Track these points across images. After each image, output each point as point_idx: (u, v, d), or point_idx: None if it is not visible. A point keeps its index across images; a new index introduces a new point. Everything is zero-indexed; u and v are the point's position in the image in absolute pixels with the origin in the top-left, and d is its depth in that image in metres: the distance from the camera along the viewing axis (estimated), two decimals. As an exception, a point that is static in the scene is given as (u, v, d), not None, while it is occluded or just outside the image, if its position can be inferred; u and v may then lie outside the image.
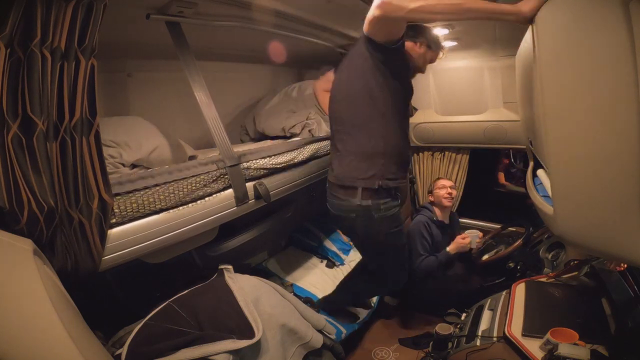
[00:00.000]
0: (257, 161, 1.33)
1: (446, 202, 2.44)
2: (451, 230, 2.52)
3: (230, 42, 1.74)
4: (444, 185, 2.45)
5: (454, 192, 2.45)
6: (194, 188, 1.10)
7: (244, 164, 1.28)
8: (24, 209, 0.70)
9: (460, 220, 2.81)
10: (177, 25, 1.27)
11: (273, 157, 1.41)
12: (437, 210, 2.48)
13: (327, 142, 1.70)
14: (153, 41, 1.43)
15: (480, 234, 2.29)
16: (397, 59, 1.31)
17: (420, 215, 2.44)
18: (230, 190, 1.21)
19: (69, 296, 0.76)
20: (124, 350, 0.95)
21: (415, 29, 1.47)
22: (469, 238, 2.25)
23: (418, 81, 2.78)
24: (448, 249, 2.27)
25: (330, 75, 1.69)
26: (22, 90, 0.72)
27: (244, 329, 1.04)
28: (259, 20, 1.51)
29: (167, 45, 1.26)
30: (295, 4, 1.47)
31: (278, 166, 1.42)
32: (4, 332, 0.50)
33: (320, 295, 2.27)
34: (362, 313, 2.12)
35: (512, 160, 3.25)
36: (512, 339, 1.30)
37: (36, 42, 0.72)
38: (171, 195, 1.04)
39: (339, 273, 2.55)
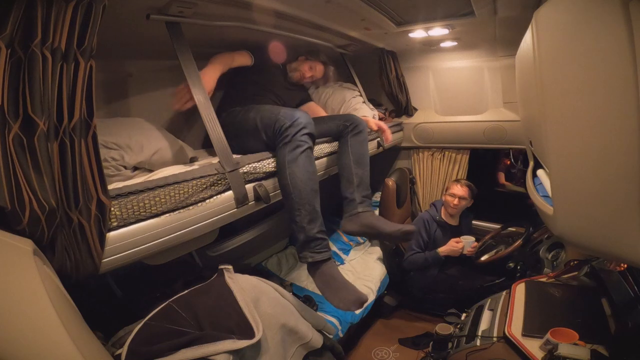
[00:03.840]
0: (255, 164, 1.33)
1: (450, 210, 2.46)
2: (458, 232, 2.51)
3: (229, 42, 1.74)
4: (455, 195, 2.43)
5: (462, 204, 2.44)
6: (193, 191, 1.10)
7: (243, 168, 1.28)
8: (26, 209, 0.70)
9: (461, 220, 2.81)
10: (177, 26, 1.27)
11: (270, 159, 1.41)
12: (444, 210, 2.48)
13: (325, 145, 1.70)
14: (153, 41, 1.43)
15: (475, 243, 2.35)
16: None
17: (425, 212, 2.48)
18: (230, 192, 1.21)
19: (69, 296, 0.76)
20: (124, 350, 0.95)
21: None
22: (462, 243, 2.27)
23: (418, 81, 2.81)
24: (439, 249, 2.30)
25: None
26: (23, 90, 0.72)
27: (244, 329, 1.03)
28: (259, 20, 1.51)
29: (167, 45, 1.26)
30: (295, 4, 1.47)
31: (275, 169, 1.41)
32: (4, 332, 0.50)
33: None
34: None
35: (513, 160, 3.25)
36: (512, 339, 1.30)
37: (37, 43, 0.71)
38: (172, 198, 1.03)
39: (339, 273, 2.56)
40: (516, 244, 2.30)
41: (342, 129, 1.69)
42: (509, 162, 3.37)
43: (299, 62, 1.95)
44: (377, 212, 2.77)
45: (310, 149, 1.39)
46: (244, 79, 1.78)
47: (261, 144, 1.47)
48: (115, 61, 1.63)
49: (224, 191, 1.20)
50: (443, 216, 2.47)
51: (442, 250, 2.29)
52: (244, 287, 1.21)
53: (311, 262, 1.33)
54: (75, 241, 0.83)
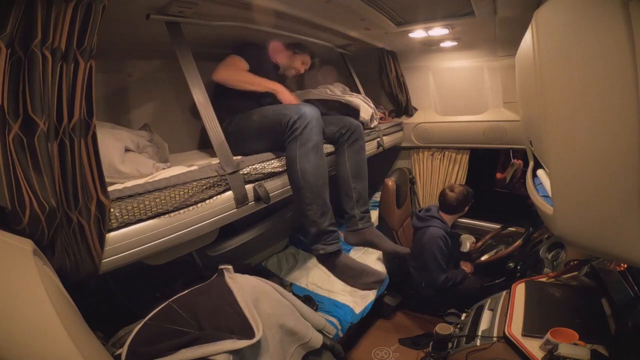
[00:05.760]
0: (255, 166, 1.33)
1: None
2: (456, 234, 2.53)
3: (229, 42, 1.74)
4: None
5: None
6: (193, 192, 1.09)
7: (244, 169, 1.28)
8: (26, 209, 0.70)
9: (460, 220, 2.81)
10: (176, 26, 1.27)
11: (272, 160, 1.41)
12: (446, 218, 2.44)
13: (325, 145, 1.70)
14: (153, 41, 1.43)
15: (474, 239, 2.45)
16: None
17: (435, 229, 2.34)
18: (229, 193, 1.21)
19: (69, 296, 0.76)
20: (124, 350, 0.95)
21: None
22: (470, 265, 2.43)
23: (418, 81, 2.82)
24: (467, 271, 2.40)
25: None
26: (23, 90, 0.72)
27: (244, 329, 1.03)
28: (259, 20, 1.51)
29: (167, 45, 1.26)
30: (295, 4, 1.47)
31: (278, 169, 1.42)
32: (4, 332, 0.50)
33: (319, 293, 2.27)
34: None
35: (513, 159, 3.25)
36: (512, 339, 1.30)
37: (37, 43, 0.71)
38: (172, 199, 1.03)
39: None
40: (516, 244, 2.30)
41: (338, 137, 1.68)
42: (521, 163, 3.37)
43: (291, 59, 1.88)
44: (377, 212, 2.77)
45: (320, 142, 1.39)
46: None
47: (267, 145, 1.47)
48: (115, 61, 1.63)
49: (223, 191, 1.20)
50: (449, 226, 2.45)
51: (468, 271, 2.42)
52: (244, 287, 1.21)
53: (323, 254, 1.36)
54: (75, 241, 0.83)
